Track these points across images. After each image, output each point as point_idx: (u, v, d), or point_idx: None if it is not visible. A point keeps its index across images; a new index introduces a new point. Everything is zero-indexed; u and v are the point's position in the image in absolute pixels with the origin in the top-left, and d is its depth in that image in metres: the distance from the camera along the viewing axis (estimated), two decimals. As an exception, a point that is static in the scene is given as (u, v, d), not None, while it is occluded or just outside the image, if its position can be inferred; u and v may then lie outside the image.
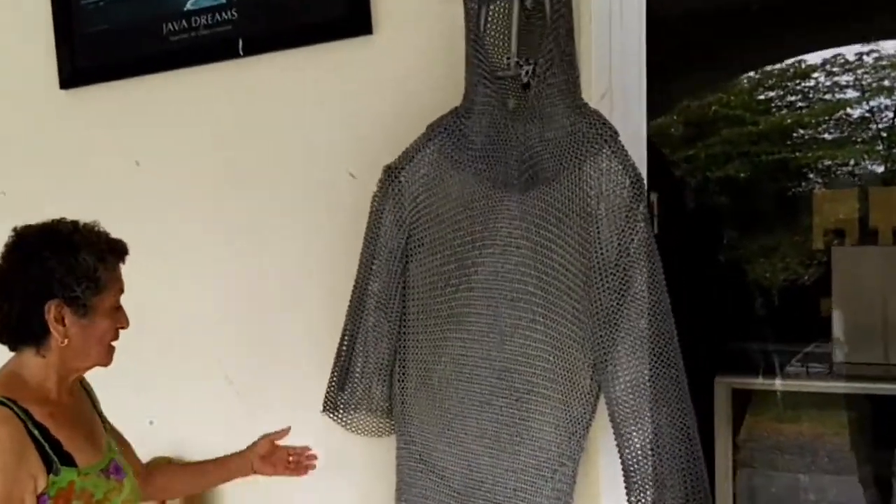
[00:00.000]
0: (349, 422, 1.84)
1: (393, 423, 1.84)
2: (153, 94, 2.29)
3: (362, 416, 1.83)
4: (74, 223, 1.52)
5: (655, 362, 1.58)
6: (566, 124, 1.65)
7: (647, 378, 1.59)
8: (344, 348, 1.81)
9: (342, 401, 1.82)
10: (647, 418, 1.59)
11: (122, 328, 1.54)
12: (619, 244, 1.60)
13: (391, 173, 1.77)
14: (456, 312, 1.75)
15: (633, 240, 1.59)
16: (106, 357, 1.52)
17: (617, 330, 1.59)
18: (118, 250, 1.53)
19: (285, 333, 2.13)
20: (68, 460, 1.44)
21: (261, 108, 2.17)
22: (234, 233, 2.21)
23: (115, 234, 1.55)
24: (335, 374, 1.82)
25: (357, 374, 1.81)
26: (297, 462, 1.80)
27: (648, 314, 1.59)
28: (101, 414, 1.66)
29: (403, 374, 1.80)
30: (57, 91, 2.39)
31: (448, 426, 1.76)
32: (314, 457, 1.81)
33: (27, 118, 2.50)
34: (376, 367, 1.80)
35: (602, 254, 1.60)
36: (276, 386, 2.12)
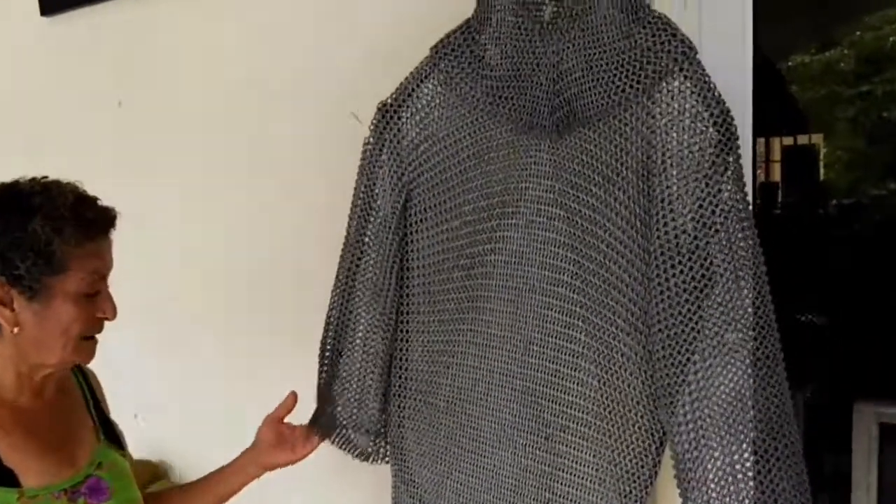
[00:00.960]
0: (337, 440, 1.41)
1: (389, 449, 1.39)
2: (139, 20, 1.92)
3: (352, 435, 1.40)
4: (45, 183, 1.16)
5: (754, 401, 1.06)
6: (619, 38, 1.12)
7: (739, 423, 1.07)
8: (327, 350, 1.37)
9: (325, 416, 1.38)
10: (741, 482, 1.08)
11: (105, 319, 1.20)
12: (696, 216, 1.07)
13: (387, 113, 1.29)
14: (467, 307, 1.27)
15: (716, 210, 1.06)
16: (75, 353, 1.17)
17: (691, 346, 1.07)
18: (89, 222, 1.15)
19: (281, 314, 1.73)
20: (7, 478, 1.12)
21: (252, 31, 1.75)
22: (224, 196, 1.82)
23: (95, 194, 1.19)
24: (319, 381, 1.39)
25: (343, 384, 1.37)
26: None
27: (739, 324, 1.07)
28: (100, 419, 1.33)
29: (401, 387, 1.34)
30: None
31: (455, 465, 1.30)
32: None
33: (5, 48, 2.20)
34: (366, 375, 1.35)
35: (669, 230, 1.08)
36: (267, 379, 1.71)
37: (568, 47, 1.15)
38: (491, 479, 1.26)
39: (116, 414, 1.36)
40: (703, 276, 1.07)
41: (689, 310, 1.07)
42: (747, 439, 1.08)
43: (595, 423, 1.16)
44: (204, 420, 1.89)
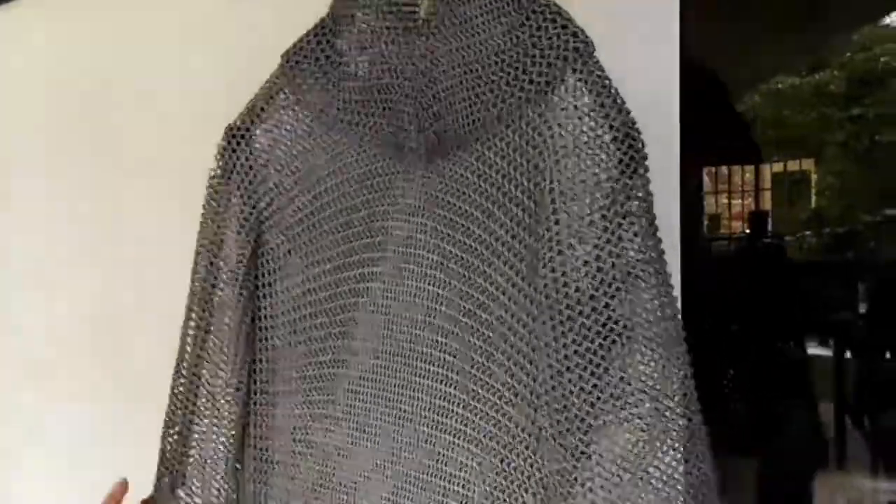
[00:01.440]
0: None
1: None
2: None
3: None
4: None
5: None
6: (499, 35, 0.89)
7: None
8: (172, 427, 1.12)
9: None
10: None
11: None
12: (592, 269, 0.84)
13: (234, 137, 1.06)
14: (330, 375, 1.02)
15: (616, 262, 0.83)
16: None
17: (584, 424, 0.83)
18: None
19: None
20: None
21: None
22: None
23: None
24: (161, 461, 1.14)
25: (190, 463, 1.12)
26: None
27: (658, 394, 0.83)
28: None
29: (260, 464, 1.09)
30: None
31: None
32: None
33: None
34: (217, 452, 1.10)
35: (559, 285, 0.84)
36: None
37: (439, 49, 0.92)
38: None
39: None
40: (600, 345, 0.83)
41: (581, 385, 0.82)
42: None
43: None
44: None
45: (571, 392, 0.83)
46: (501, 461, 0.90)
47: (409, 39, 0.94)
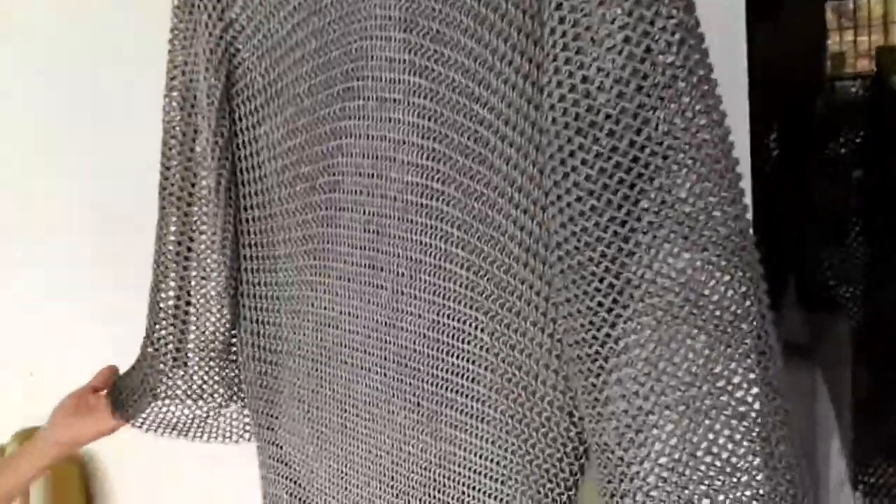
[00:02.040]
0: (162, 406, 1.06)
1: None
2: None
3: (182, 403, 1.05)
4: None
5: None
6: None
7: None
8: (158, 297, 1.01)
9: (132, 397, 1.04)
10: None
11: None
12: (615, 65, 0.65)
13: (200, -43, 0.89)
14: (315, 234, 0.88)
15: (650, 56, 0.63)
16: None
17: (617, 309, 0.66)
18: None
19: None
20: None
21: None
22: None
23: None
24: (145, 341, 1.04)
25: (173, 340, 1.02)
26: None
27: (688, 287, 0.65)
28: None
29: (248, 343, 0.98)
30: None
31: (326, 446, 0.93)
32: None
33: None
34: (203, 325, 1.00)
35: (564, 94, 0.65)
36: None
37: None
38: (368, 467, 0.89)
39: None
40: (629, 183, 0.65)
41: (598, 234, 0.65)
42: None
43: (491, 397, 0.77)
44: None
45: (587, 244, 0.66)
46: (517, 332, 0.74)
47: None
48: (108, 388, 1.08)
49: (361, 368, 0.87)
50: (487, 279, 0.75)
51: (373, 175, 0.81)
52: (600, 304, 0.66)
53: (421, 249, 0.79)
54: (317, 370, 0.91)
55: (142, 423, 1.05)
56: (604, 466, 0.69)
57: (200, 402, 1.02)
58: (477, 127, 0.73)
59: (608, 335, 0.66)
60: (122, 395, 1.05)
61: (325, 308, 0.88)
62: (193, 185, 0.97)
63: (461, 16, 0.72)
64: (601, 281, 0.66)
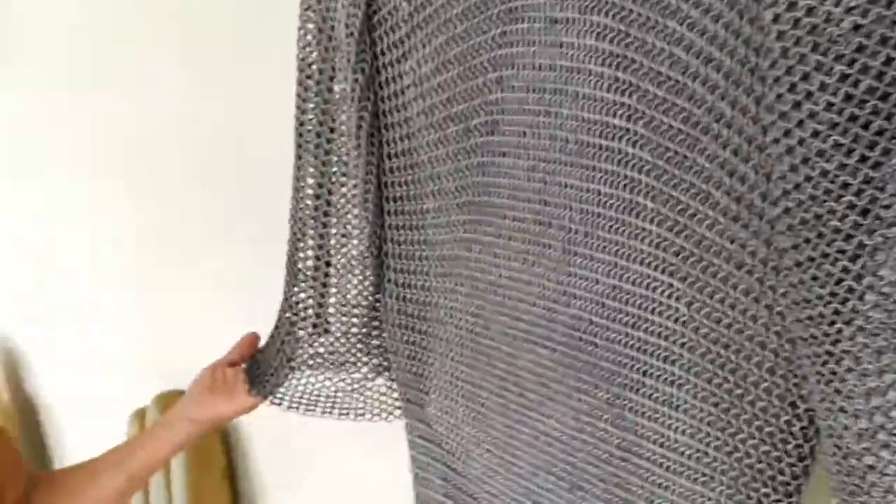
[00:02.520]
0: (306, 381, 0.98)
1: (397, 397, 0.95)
2: None
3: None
4: None
5: None
6: None
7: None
8: (296, 261, 0.92)
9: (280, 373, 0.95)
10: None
11: None
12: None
13: None
14: (473, 185, 0.76)
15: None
16: None
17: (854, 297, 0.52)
18: None
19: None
20: None
21: None
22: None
23: None
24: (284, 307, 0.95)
25: (314, 308, 0.93)
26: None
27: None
28: None
29: (400, 313, 0.87)
30: None
31: (487, 429, 0.82)
32: None
33: None
34: (348, 292, 0.90)
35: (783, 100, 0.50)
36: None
37: None
38: (534, 455, 0.77)
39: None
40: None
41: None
42: None
43: (688, 380, 0.64)
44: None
45: (828, 192, 0.51)
46: (712, 295, 0.60)
47: None
48: (245, 361, 1.00)
49: (526, 342, 0.75)
50: (685, 237, 0.61)
51: (539, 112, 0.68)
52: (846, 271, 0.51)
53: (599, 201, 0.66)
54: (472, 342, 0.80)
55: (280, 401, 0.96)
56: (845, 474, 0.54)
57: (343, 374, 0.93)
58: (672, 48, 0.59)
59: (855, 310, 0.51)
60: (258, 369, 0.97)
61: (482, 270, 0.77)
62: (332, 130, 0.86)
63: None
64: (847, 239, 0.51)
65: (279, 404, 0.97)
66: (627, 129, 0.63)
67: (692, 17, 0.57)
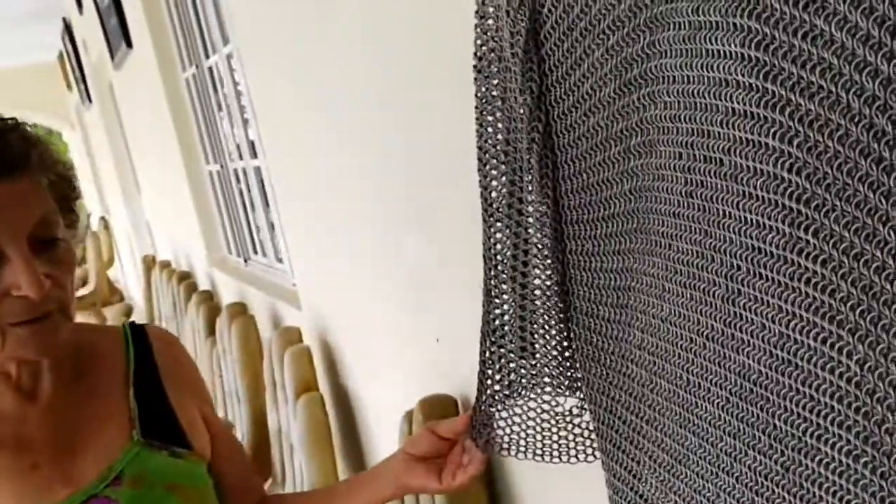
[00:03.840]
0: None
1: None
2: None
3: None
4: None
5: None
6: None
7: None
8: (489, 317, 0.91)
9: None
10: None
11: (21, 296, 0.86)
12: None
13: None
14: (631, 213, 0.69)
15: None
16: (6, 348, 0.90)
17: None
18: None
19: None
20: None
21: None
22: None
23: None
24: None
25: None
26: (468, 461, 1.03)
27: None
28: (143, 407, 1.03)
29: (588, 344, 0.82)
30: None
31: (667, 479, 0.75)
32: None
33: None
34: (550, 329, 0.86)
35: None
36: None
37: None
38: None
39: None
40: None
41: None
42: None
43: (866, 452, 0.53)
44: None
45: None
46: (886, 355, 0.49)
47: None
48: (454, 437, 1.02)
49: (699, 388, 0.67)
50: (852, 282, 0.51)
51: (692, 132, 0.60)
52: None
53: (758, 234, 0.57)
54: (651, 381, 0.73)
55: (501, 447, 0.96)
56: None
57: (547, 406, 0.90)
58: (828, 55, 0.49)
59: None
60: (478, 421, 0.98)
61: (652, 305, 0.70)
62: (516, 149, 0.84)
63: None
64: None
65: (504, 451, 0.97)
66: (782, 151, 0.54)
67: (851, 18, 0.47)
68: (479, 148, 0.85)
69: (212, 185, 4.01)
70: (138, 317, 5.60)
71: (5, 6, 6.43)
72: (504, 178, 0.85)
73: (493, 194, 0.86)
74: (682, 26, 0.59)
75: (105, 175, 8.53)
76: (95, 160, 9.05)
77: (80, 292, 6.96)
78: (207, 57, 3.49)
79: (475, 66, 0.83)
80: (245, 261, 3.75)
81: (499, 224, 0.88)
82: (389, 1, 1.42)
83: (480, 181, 0.86)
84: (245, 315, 2.98)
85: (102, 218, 9.24)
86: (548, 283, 0.84)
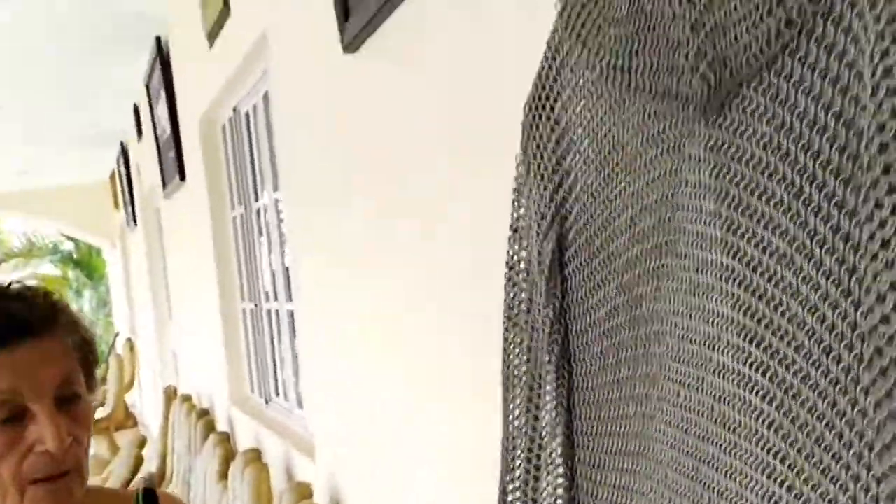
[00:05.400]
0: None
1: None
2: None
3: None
4: None
5: None
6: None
7: None
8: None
9: None
10: None
11: (43, 451, 0.93)
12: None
13: (537, 110, 0.87)
14: (636, 435, 0.77)
15: None
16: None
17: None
18: None
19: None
20: None
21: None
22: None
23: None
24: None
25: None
26: None
27: None
28: None
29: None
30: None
31: None
32: None
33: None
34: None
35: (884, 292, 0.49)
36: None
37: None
38: None
39: None
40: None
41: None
42: None
43: None
44: None
45: None
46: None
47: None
48: None
49: None
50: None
51: (688, 375, 0.68)
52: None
53: (745, 482, 0.64)
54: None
55: None
56: None
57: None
58: (798, 334, 0.57)
59: None
60: None
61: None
62: (537, 357, 0.92)
63: (772, 183, 0.57)
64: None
65: None
66: (763, 411, 0.61)
67: (819, 310, 0.56)
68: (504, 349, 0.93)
69: (243, 322, 4.12)
70: (151, 449, 5.60)
71: (69, 126, 6.82)
72: (524, 382, 0.92)
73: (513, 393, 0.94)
74: (684, 281, 0.68)
75: (138, 298, 8.73)
76: (131, 281, 9.28)
77: (97, 414, 7.01)
78: (257, 199, 3.67)
79: (506, 276, 0.92)
80: (266, 402, 3.81)
81: (516, 423, 0.94)
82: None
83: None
84: (259, 462, 3.03)
85: (129, 339, 9.39)
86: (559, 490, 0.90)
